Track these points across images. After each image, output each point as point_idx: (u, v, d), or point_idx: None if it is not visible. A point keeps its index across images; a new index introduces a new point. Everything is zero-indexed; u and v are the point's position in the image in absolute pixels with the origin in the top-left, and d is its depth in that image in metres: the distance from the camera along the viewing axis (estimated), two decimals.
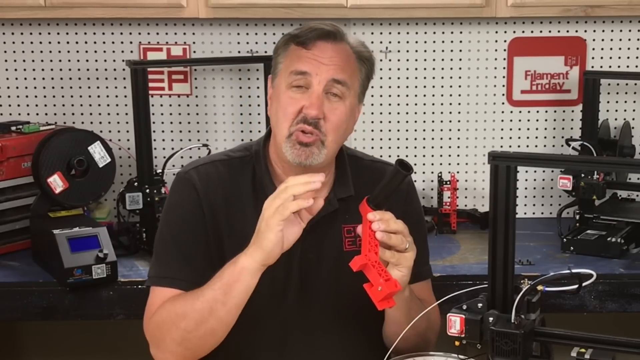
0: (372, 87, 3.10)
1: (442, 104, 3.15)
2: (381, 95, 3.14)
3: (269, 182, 1.91)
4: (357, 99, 1.91)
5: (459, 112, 3.15)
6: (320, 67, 1.82)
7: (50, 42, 3.07)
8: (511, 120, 3.16)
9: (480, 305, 1.58)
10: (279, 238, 1.70)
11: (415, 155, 3.17)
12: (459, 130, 3.16)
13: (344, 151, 1.99)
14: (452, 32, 3.10)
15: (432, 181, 3.14)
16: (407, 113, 3.16)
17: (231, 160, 1.95)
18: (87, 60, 3.09)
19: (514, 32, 3.10)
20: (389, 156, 3.13)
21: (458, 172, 3.13)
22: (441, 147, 3.17)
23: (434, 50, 3.12)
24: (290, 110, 1.83)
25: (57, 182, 2.65)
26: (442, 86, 3.14)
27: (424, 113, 3.16)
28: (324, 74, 1.82)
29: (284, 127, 1.84)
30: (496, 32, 3.10)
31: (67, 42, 3.08)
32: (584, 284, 1.54)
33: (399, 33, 3.10)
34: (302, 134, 1.82)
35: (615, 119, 3.13)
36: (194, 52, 3.09)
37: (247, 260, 1.73)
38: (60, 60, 3.09)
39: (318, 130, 1.82)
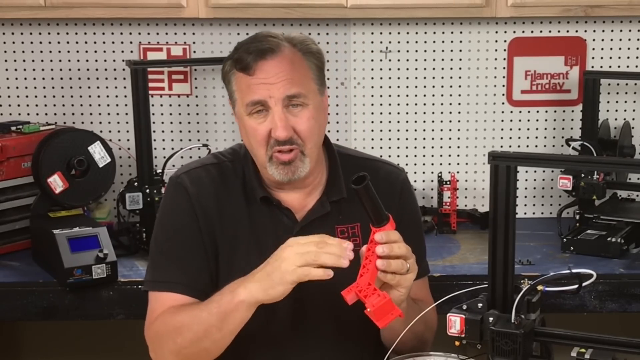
0: (372, 87, 3.14)
1: (442, 104, 3.15)
2: (381, 96, 3.14)
3: (258, 184, 1.92)
4: (318, 95, 1.89)
5: (459, 112, 3.15)
6: (270, 89, 1.81)
7: (50, 42, 3.07)
8: (511, 120, 3.16)
9: (480, 305, 1.58)
10: (288, 291, 1.70)
11: (415, 155, 3.17)
12: (459, 130, 3.16)
13: (335, 151, 1.99)
14: (452, 32, 3.10)
15: (432, 181, 3.14)
16: (407, 113, 3.16)
17: (221, 164, 1.96)
18: (87, 60, 3.09)
19: (514, 32, 3.10)
20: (389, 156, 3.13)
21: (458, 172, 3.13)
22: (441, 147, 3.17)
23: (434, 50, 3.12)
24: (259, 137, 1.84)
25: (57, 182, 2.65)
26: (442, 86, 3.14)
27: (424, 113, 3.16)
28: (276, 94, 1.81)
29: (261, 154, 1.85)
30: (496, 32, 3.10)
31: (67, 42, 3.07)
32: (584, 284, 1.54)
33: (399, 33, 3.10)
34: (281, 154, 1.83)
35: (615, 119, 3.12)
36: (194, 52, 3.09)
37: (247, 295, 1.72)
38: (60, 60, 3.09)
39: (295, 144, 1.83)
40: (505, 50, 3.12)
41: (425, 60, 3.12)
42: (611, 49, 3.11)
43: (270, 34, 1.87)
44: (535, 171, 3.17)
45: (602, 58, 3.12)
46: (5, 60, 3.08)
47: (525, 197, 3.18)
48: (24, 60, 3.08)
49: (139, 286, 2.45)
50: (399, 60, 3.12)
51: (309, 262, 1.66)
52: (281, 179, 1.86)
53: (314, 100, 1.87)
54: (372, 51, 3.11)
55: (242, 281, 1.75)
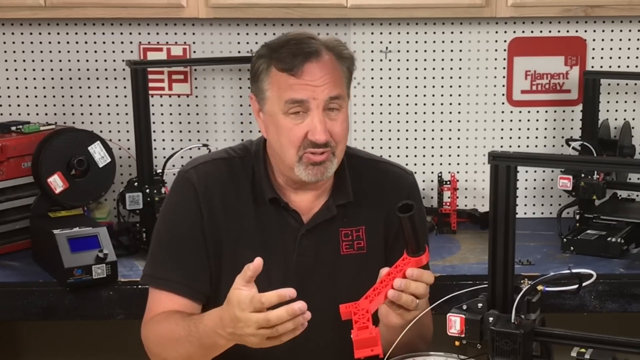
0: (372, 87, 3.14)
1: (442, 104, 3.15)
2: (381, 96, 3.14)
3: (267, 185, 1.92)
4: (346, 99, 1.90)
5: (459, 112, 3.15)
6: (315, 91, 1.82)
7: (50, 42, 3.07)
8: (511, 120, 3.16)
9: (480, 305, 1.58)
10: None
11: (415, 155, 3.17)
12: (459, 130, 3.16)
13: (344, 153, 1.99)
14: (452, 32, 3.10)
15: (432, 181, 3.14)
16: (407, 113, 3.16)
17: (232, 160, 1.96)
18: (87, 60, 3.09)
19: (514, 32, 3.10)
20: (389, 156, 3.13)
21: (458, 172, 3.13)
22: (441, 147, 3.17)
23: (434, 50, 3.11)
24: (294, 137, 1.83)
25: (57, 182, 2.65)
26: (442, 86, 3.14)
27: (424, 113, 3.16)
28: (320, 96, 1.82)
29: (291, 154, 1.85)
30: (496, 32, 3.10)
31: (67, 42, 3.07)
32: (584, 284, 1.54)
33: (399, 33, 3.10)
34: (313, 155, 1.83)
35: (615, 119, 3.12)
36: (194, 52, 3.09)
37: (226, 343, 1.71)
38: (60, 60, 3.09)
39: (329, 147, 1.84)
40: (505, 50, 3.12)
41: (425, 60, 3.12)
42: (611, 49, 3.11)
43: (309, 35, 1.87)
44: (535, 171, 3.17)
45: (602, 58, 3.12)
46: (5, 60, 3.08)
47: (525, 197, 3.18)
48: (24, 60, 3.08)
49: (139, 286, 2.45)
50: (399, 60, 3.12)
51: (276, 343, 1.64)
52: (309, 180, 1.85)
53: (346, 103, 1.89)
54: (372, 51, 3.11)
55: (217, 327, 1.68)
